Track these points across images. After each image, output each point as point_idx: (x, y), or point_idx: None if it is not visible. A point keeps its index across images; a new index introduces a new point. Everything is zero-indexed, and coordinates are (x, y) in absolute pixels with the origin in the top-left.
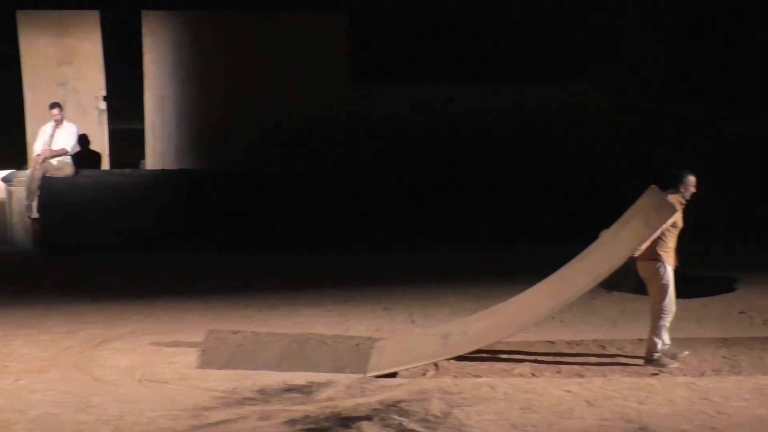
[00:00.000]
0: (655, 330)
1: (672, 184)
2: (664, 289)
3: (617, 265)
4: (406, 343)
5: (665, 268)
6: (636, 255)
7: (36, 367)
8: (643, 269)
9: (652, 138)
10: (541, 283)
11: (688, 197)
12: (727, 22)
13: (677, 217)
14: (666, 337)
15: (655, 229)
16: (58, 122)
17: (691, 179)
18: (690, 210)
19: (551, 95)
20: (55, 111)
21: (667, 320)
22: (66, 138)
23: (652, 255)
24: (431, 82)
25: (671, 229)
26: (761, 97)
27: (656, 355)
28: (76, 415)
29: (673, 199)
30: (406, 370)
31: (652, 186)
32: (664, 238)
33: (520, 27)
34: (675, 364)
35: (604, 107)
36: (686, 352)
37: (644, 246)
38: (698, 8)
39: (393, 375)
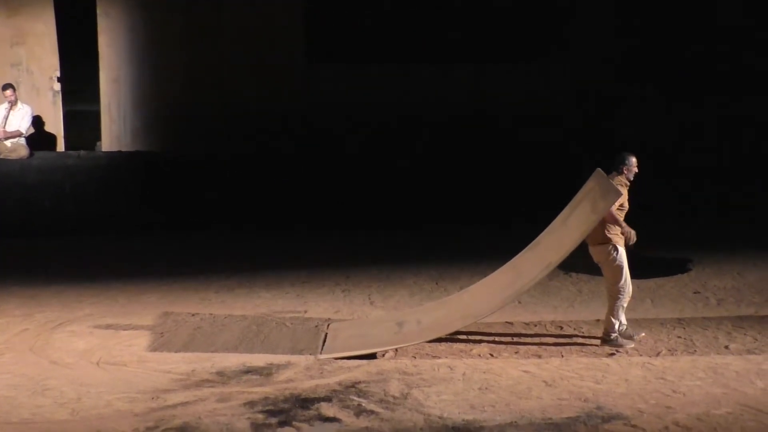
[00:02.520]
0: (613, 311)
1: (615, 166)
2: (618, 270)
3: (568, 253)
4: (360, 328)
5: (617, 249)
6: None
7: None
8: (595, 254)
9: (608, 121)
10: (494, 273)
11: (631, 178)
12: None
13: (623, 199)
14: (623, 317)
15: (603, 214)
16: (12, 103)
17: (633, 160)
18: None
19: (507, 77)
20: (8, 92)
21: (625, 301)
22: (20, 120)
23: (602, 239)
24: (388, 63)
25: (618, 211)
26: (714, 80)
27: (613, 335)
28: (33, 398)
29: (618, 181)
30: (357, 356)
31: (598, 169)
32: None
33: (477, 9)
34: (631, 345)
35: (559, 90)
36: (642, 334)
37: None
38: None
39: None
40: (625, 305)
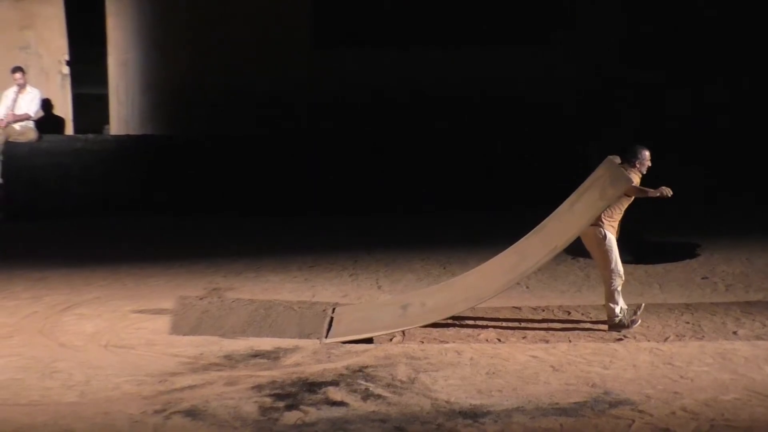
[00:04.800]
0: (610, 297)
1: (626, 159)
2: (608, 254)
3: (574, 237)
4: (364, 311)
5: (605, 233)
6: None
7: (0, 333)
8: (584, 237)
9: (614, 104)
10: (499, 255)
11: (644, 171)
12: None
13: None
14: (622, 301)
15: (611, 201)
16: (21, 87)
17: (646, 154)
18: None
19: (515, 60)
20: (18, 75)
21: (618, 284)
22: (29, 103)
23: (596, 221)
24: (394, 47)
25: (625, 198)
26: (718, 63)
27: (617, 319)
28: (42, 381)
29: (630, 173)
30: (362, 340)
31: (609, 156)
32: (611, 207)
33: None
34: (637, 324)
35: (565, 73)
36: (642, 304)
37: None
38: None
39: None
40: (620, 288)
